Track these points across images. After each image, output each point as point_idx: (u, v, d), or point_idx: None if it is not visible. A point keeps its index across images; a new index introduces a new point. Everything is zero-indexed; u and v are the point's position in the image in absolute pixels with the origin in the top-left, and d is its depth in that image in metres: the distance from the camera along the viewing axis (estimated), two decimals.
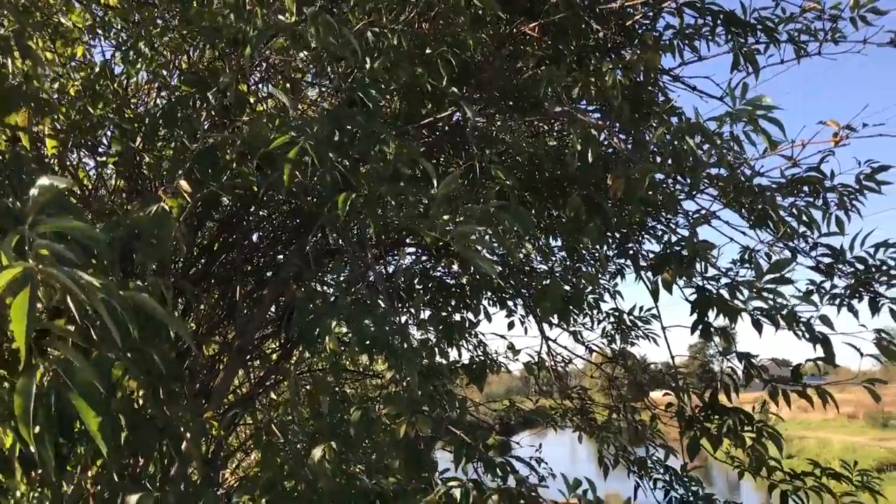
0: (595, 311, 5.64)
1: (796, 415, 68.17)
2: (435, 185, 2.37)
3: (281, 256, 4.12)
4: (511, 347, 5.84)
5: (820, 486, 3.67)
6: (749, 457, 3.66)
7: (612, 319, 5.54)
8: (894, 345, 3.23)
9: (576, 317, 5.81)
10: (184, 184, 2.42)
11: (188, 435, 2.29)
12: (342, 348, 3.52)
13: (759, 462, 3.55)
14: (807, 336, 3.21)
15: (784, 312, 3.24)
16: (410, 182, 2.63)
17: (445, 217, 2.30)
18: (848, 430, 55.55)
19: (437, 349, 3.51)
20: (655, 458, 4.82)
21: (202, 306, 4.03)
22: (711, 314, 3.39)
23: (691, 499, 4.54)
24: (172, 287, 2.94)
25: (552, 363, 5.72)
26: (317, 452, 2.83)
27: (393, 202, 2.47)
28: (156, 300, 1.44)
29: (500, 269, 4.47)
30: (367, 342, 2.51)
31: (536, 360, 5.27)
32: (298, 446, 3.22)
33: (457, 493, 2.75)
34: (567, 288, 3.71)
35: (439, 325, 3.51)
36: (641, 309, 5.36)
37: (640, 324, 5.43)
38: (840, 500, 3.53)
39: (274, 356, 5.17)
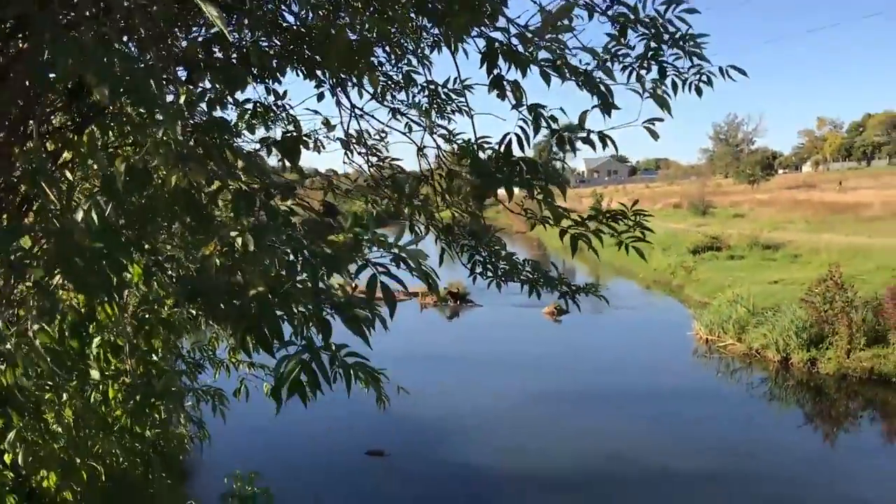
0: (411, 85, 5.59)
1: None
2: None
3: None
4: (326, 123, 5.73)
5: (604, 229, 3.96)
6: (543, 209, 3.84)
7: (426, 93, 5.51)
8: (668, 94, 3.38)
9: (394, 92, 5.75)
10: None
11: None
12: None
13: (552, 210, 3.73)
14: (587, 87, 3.29)
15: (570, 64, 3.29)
16: None
17: None
18: (673, 219, 60.36)
19: (220, 102, 3.33)
20: (462, 225, 5.00)
21: None
22: (504, 67, 3.39)
23: (493, 259, 4.79)
24: None
25: (368, 139, 5.69)
26: (80, 214, 2.69)
27: None
28: None
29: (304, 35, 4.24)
30: (111, 83, 2.28)
31: (348, 133, 5.21)
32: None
33: (238, 240, 2.71)
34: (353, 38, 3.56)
35: (219, 74, 3.27)
36: (455, 81, 5.34)
37: (454, 97, 5.44)
38: (620, 236, 3.86)
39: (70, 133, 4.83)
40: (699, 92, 3.85)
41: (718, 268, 37.68)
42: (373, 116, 5.14)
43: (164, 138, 2.41)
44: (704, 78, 3.83)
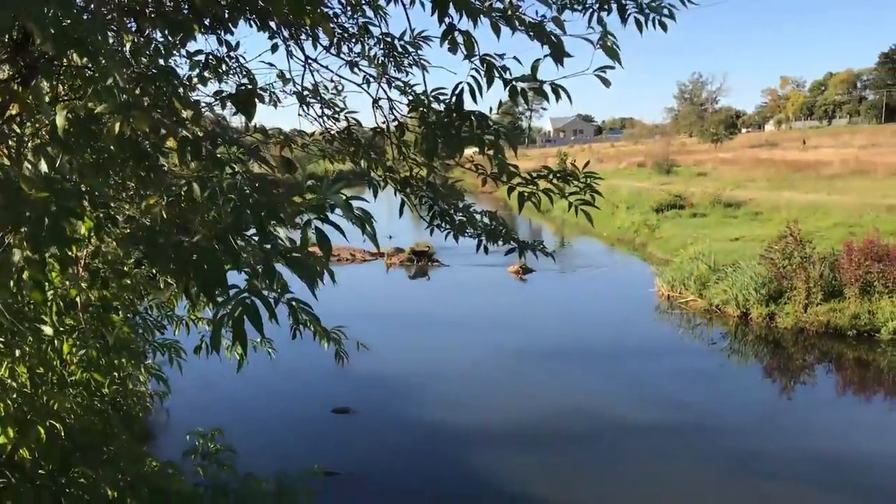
0: (367, 38, 5.53)
1: (592, 166, 73.60)
2: None
3: None
4: (281, 76, 5.65)
5: (553, 188, 3.97)
6: (493, 166, 3.85)
7: (382, 46, 5.45)
8: (616, 45, 3.38)
9: (350, 45, 5.68)
10: None
11: None
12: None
13: (501, 165, 3.74)
14: (538, 37, 3.28)
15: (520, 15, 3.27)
16: None
17: None
18: (637, 178, 60.70)
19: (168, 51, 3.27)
20: (420, 178, 4.98)
21: None
22: (455, 17, 3.36)
23: (451, 210, 4.79)
24: None
25: (325, 93, 5.63)
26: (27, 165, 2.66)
27: None
28: None
29: None
30: (56, 35, 2.23)
31: (303, 86, 5.14)
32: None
33: (184, 189, 2.69)
34: None
35: (168, 24, 3.21)
36: (412, 33, 5.28)
37: (410, 49, 5.39)
38: (567, 198, 3.87)
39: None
40: (664, 27, 3.83)
41: (681, 225, 38.13)
42: (327, 69, 5.08)
43: (109, 84, 2.37)
44: (666, 12, 3.81)
